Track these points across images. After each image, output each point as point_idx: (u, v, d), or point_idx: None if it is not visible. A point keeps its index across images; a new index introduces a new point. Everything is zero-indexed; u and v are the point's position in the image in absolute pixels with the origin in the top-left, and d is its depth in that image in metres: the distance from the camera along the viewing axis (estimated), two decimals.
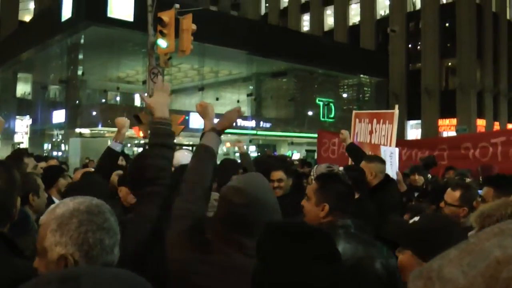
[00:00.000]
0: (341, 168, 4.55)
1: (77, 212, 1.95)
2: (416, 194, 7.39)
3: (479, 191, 5.02)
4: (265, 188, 2.65)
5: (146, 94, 20.23)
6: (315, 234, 1.97)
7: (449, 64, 47.73)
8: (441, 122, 45.91)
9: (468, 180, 6.59)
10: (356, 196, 5.41)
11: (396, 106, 7.96)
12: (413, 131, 47.95)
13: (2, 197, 2.49)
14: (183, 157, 4.47)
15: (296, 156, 35.03)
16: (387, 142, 7.83)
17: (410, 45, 49.40)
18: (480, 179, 7.79)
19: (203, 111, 3.51)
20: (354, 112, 9.36)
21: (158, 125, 3.35)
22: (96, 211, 1.99)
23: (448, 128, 44.72)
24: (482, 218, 3.62)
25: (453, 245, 2.47)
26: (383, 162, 6.20)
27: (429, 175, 8.79)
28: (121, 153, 4.99)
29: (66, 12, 30.04)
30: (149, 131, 3.42)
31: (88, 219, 1.95)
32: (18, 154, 5.96)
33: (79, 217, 1.94)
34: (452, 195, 4.67)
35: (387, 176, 6.13)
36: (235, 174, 4.88)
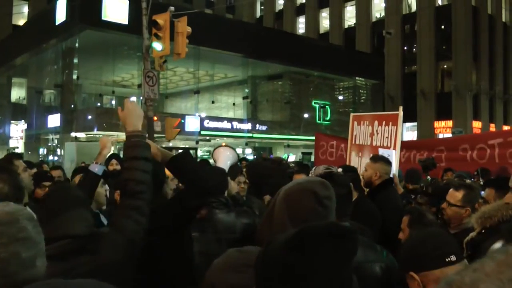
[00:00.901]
0: (340, 170, 4.48)
1: None
2: (413, 196, 7.34)
3: (482, 193, 4.97)
4: None
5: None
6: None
7: (445, 66, 47.84)
8: (437, 124, 46.02)
9: (468, 181, 6.54)
10: (355, 196, 5.37)
11: (400, 108, 7.89)
12: (409, 133, 47.98)
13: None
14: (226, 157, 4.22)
15: (291, 158, 35.00)
16: (391, 144, 7.78)
17: (405, 48, 49.51)
18: (481, 181, 7.75)
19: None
20: (352, 115, 9.28)
21: (131, 138, 3.22)
22: (8, 220, 1.71)
23: (444, 130, 44.83)
24: (483, 219, 3.59)
25: (443, 251, 2.39)
26: (388, 163, 6.20)
27: (429, 177, 8.73)
28: (104, 176, 4.73)
29: (61, 16, 29.94)
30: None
31: None
32: (8, 156, 5.93)
33: None
34: (455, 195, 4.61)
35: (390, 178, 6.12)
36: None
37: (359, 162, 8.37)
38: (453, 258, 2.34)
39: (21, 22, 46.88)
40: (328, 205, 2.28)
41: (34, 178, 5.66)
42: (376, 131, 8.20)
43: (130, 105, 3.31)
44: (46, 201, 3.08)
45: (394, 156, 7.40)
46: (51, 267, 1.74)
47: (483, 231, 3.60)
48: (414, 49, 48.81)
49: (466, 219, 4.47)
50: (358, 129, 8.76)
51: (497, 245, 1.58)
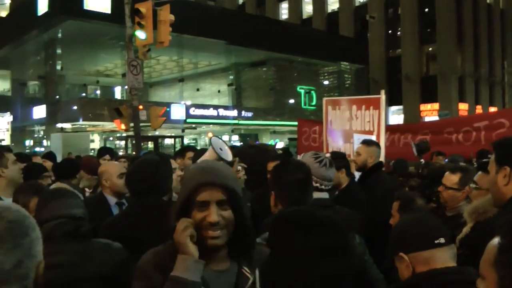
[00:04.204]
0: (328, 155, 4.50)
1: None
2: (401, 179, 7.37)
3: None
4: None
5: (126, 87, 20.19)
6: (326, 224, 1.93)
7: (429, 49, 47.92)
8: (423, 107, 46.17)
9: (462, 164, 6.57)
10: (346, 182, 5.41)
11: (382, 92, 7.92)
12: (395, 117, 48.13)
13: None
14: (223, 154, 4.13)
15: (280, 144, 35.01)
16: (374, 127, 7.81)
17: (389, 32, 49.50)
18: (474, 163, 7.77)
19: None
20: (324, 99, 9.19)
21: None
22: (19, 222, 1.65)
23: (430, 113, 44.96)
24: (477, 215, 3.57)
25: (433, 234, 2.43)
26: (379, 146, 6.27)
27: (422, 160, 8.75)
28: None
29: (42, 6, 29.77)
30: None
31: None
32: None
33: None
34: (451, 178, 4.61)
35: (380, 161, 6.19)
36: None
37: (339, 147, 8.38)
38: (442, 240, 2.36)
39: (3, 13, 46.40)
40: None
41: (28, 171, 5.64)
42: (355, 115, 8.20)
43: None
44: (43, 190, 3.19)
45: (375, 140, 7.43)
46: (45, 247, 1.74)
47: (475, 226, 3.59)
48: (398, 33, 48.79)
49: (462, 201, 4.49)
50: (333, 113, 8.75)
51: (494, 241, 1.61)
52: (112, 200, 4.80)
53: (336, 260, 1.85)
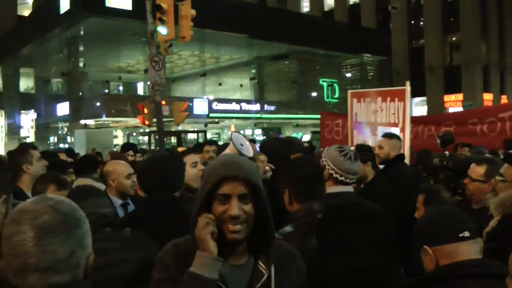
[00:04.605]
0: (352, 148, 4.46)
1: None
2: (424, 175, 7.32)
3: None
4: None
5: (148, 83, 20.27)
6: (375, 216, 1.92)
7: (453, 39, 47.32)
8: (446, 98, 45.61)
9: (488, 155, 6.49)
10: (372, 175, 5.37)
11: (407, 83, 7.82)
12: (418, 108, 47.67)
13: None
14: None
15: (306, 137, 34.79)
16: (399, 120, 7.73)
17: (412, 22, 49.00)
18: (500, 154, 7.67)
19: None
20: (349, 92, 9.14)
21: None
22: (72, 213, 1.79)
23: (454, 104, 44.43)
24: (503, 207, 3.51)
25: (459, 227, 2.38)
26: (400, 139, 6.29)
27: (447, 152, 8.66)
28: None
29: (64, 5, 29.97)
30: None
31: None
32: (25, 146, 6.03)
33: None
34: (477, 170, 4.54)
35: (401, 153, 6.19)
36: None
37: (364, 140, 8.32)
38: (466, 234, 2.34)
39: (25, 12, 46.84)
40: None
41: (52, 167, 5.71)
42: (380, 107, 8.12)
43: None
44: (76, 188, 3.26)
45: (398, 133, 7.37)
46: None
47: (502, 219, 3.53)
48: (421, 23, 48.29)
49: (488, 194, 4.42)
50: (359, 106, 8.68)
51: None
52: (117, 201, 4.80)
53: (382, 252, 1.83)
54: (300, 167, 3.33)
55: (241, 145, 3.89)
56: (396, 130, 7.41)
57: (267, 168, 4.74)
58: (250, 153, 3.90)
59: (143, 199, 3.97)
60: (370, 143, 7.81)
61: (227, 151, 3.92)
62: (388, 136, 6.28)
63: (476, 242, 2.37)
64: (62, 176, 5.96)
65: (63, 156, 9.29)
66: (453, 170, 6.30)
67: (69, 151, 10.10)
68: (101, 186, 4.89)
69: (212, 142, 7.75)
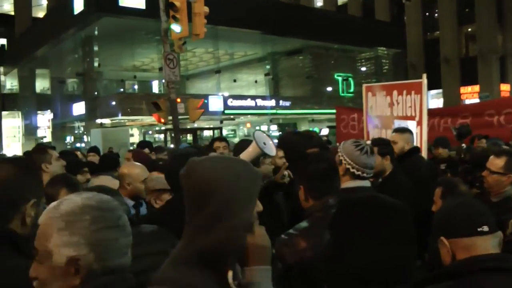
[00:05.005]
0: (368, 142, 4.43)
1: (88, 208, 1.72)
2: (443, 166, 7.27)
3: None
4: None
5: (163, 81, 20.36)
6: (393, 210, 1.91)
7: (468, 30, 46.93)
8: (463, 90, 45.25)
9: (506, 147, 6.44)
10: (390, 169, 5.34)
11: (424, 76, 7.73)
12: (434, 101, 47.34)
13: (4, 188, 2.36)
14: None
15: (325, 131, 34.57)
16: (416, 113, 7.65)
17: (426, 14, 48.68)
18: None
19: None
20: (364, 85, 9.04)
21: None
22: (109, 207, 1.79)
23: (470, 95, 44.07)
24: None
25: (474, 220, 2.35)
26: (412, 132, 6.28)
27: (463, 145, 8.59)
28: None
29: (78, 5, 30.19)
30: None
31: (101, 215, 1.73)
32: (43, 146, 6.13)
33: (91, 214, 1.71)
34: (496, 162, 4.45)
35: (416, 146, 6.18)
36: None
37: (379, 134, 8.25)
38: (485, 228, 2.29)
39: (40, 14, 47.17)
40: (181, 182, 2.02)
41: (69, 166, 5.75)
42: (396, 101, 8.05)
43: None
44: (90, 189, 3.24)
45: (414, 127, 7.34)
46: None
47: None
48: (435, 15, 47.94)
49: (508, 186, 4.35)
50: (374, 99, 8.61)
51: None
52: (129, 202, 4.74)
53: (402, 246, 1.82)
54: (313, 164, 3.32)
55: (264, 143, 3.85)
56: (412, 124, 7.36)
57: (285, 173, 4.71)
58: (273, 152, 3.86)
59: (169, 199, 3.92)
60: (385, 136, 7.77)
61: (250, 150, 3.86)
62: (400, 130, 6.27)
63: (494, 236, 2.32)
64: (78, 175, 6.09)
65: (91, 157, 9.69)
66: (470, 163, 6.24)
67: (95, 149, 10.33)
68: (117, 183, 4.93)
69: (222, 139, 7.73)
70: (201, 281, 1.79)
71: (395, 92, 8.07)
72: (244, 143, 5.12)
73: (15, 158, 2.79)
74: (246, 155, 3.65)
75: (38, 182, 2.58)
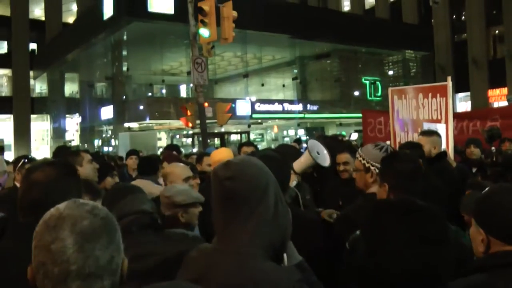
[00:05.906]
0: (388, 142, 4.40)
1: None
2: (474, 170, 7.22)
3: None
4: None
5: (191, 85, 20.50)
6: (426, 213, 1.92)
7: (496, 32, 46.41)
8: (491, 92, 44.71)
9: None
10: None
11: (449, 78, 7.68)
12: (462, 104, 46.93)
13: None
14: None
15: (354, 136, 34.36)
16: (441, 116, 7.61)
17: (454, 16, 48.28)
18: None
19: None
20: (390, 89, 8.98)
21: None
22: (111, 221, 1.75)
23: (499, 98, 43.51)
24: None
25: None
26: (439, 135, 6.20)
27: (493, 148, 8.52)
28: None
29: (108, 10, 30.45)
30: None
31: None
32: (75, 149, 6.25)
33: None
34: None
35: (444, 150, 6.13)
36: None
37: (406, 137, 8.23)
38: None
39: (70, 19, 47.74)
40: (227, 185, 2.03)
41: (100, 170, 5.85)
42: (422, 104, 7.99)
43: None
44: (112, 188, 3.31)
45: (444, 129, 7.28)
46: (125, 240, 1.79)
47: None
48: (463, 17, 47.53)
49: None
50: (400, 103, 8.57)
51: None
52: None
53: (435, 250, 1.84)
54: (402, 162, 3.32)
55: (317, 153, 3.78)
56: (442, 126, 7.31)
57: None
58: (327, 162, 3.78)
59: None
60: (412, 140, 7.74)
61: (302, 160, 3.78)
62: (427, 133, 6.20)
63: None
64: (108, 178, 6.20)
65: (131, 160, 10.02)
66: (502, 166, 6.20)
67: (135, 152, 10.49)
68: (160, 188, 4.99)
69: (250, 143, 7.80)
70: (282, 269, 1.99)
71: (420, 95, 8.02)
72: (285, 148, 5.14)
73: (54, 161, 2.86)
74: (298, 165, 3.57)
75: (77, 184, 2.65)
